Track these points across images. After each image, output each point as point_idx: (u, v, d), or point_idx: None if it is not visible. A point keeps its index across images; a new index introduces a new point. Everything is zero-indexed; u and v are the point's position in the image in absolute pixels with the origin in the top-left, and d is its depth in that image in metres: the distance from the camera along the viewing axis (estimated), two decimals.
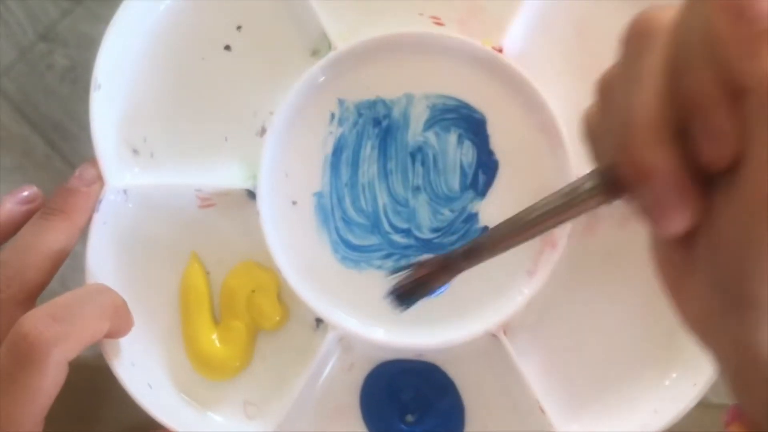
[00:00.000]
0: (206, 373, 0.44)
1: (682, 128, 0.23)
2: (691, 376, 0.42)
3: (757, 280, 0.23)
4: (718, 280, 0.24)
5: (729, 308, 0.24)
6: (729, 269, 0.24)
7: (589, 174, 0.27)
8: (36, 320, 0.34)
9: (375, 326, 0.44)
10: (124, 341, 0.42)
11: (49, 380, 0.34)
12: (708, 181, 0.24)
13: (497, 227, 0.29)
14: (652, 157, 0.24)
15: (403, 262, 0.44)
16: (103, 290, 0.39)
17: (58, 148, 0.97)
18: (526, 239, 0.29)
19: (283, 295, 0.44)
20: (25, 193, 0.42)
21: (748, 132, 0.22)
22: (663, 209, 0.24)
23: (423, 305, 0.40)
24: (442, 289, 0.32)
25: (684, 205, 0.24)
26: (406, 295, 0.32)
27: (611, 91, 0.26)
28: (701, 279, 0.25)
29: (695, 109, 0.23)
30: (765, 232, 0.22)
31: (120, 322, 0.39)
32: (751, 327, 0.23)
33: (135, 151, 0.45)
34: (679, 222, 0.24)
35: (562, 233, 0.43)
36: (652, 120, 0.24)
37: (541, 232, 0.28)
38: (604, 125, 0.27)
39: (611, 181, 0.26)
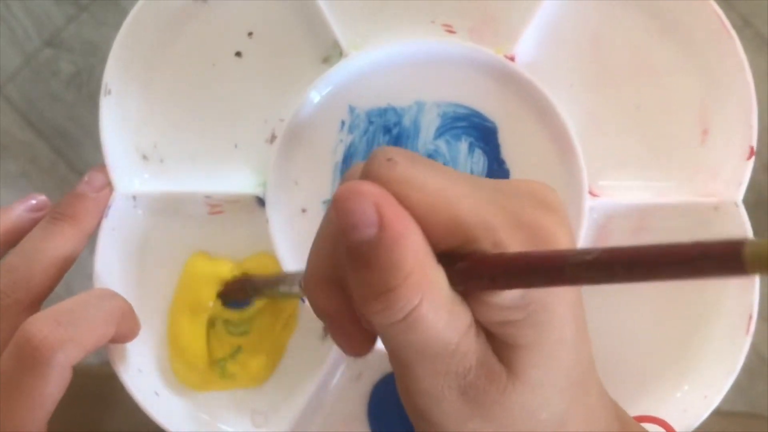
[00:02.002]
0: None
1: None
2: (703, 388, 0.42)
3: (411, 395, 0.27)
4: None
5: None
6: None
7: None
8: (40, 324, 0.34)
9: None
10: (131, 348, 0.42)
11: (53, 384, 0.34)
12: None
13: (276, 276, 0.41)
14: (318, 299, 0.28)
15: None
16: (109, 295, 0.39)
17: (63, 155, 0.98)
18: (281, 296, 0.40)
19: (291, 304, 0.44)
20: (34, 202, 0.42)
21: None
22: (333, 337, 0.29)
23: None
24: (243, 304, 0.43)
25: (348, 336, 0.29)
26: (224, 298, 0.43)
27: None
28: None
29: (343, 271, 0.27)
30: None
31: (126, 326, 0.39)
32: None
33: (144, 157, 0.45)
34: (347, 348, 0.29)
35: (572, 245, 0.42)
36: (319, 269, 0.28)
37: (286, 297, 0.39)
38: None
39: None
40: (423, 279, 0.24)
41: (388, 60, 0.43)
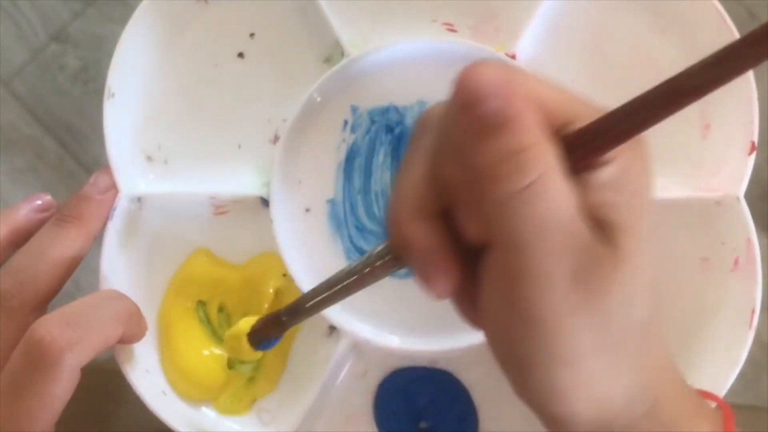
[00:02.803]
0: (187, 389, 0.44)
1: (449, 207, 0.27)
2: (707, 382, 0.42)
3: (523, 348, 0.26)
4: (499, 354, 0.28)
5: (514, 377, 0.27)
6: (502, 342, 0.27)
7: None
8: (49, 326, 0.34)
9: (388, 333, 0.44)
10: (139, 348, 0.42)
11: (62, 386, 0.34)
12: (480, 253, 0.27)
13: (314, 289, 0.32)
14: (409, 232, 0.27)
15: None
16: (116, 296, 0.39)
17: (70, 149, 0.98)
18: (337, 301, 0.32)
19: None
20: (39, 202, 0.42)
21: (484, 214, 0.25)
22: (425, 277, 0.28)
23: (436, 312, 0.42)
24: (274, 342, 0.36)
25: (443, 274, 0.27)
26: (252, 340, 0.35)
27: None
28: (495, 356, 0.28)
29: (450, 192, 0.27)
30: (515, 303, 0.25)
31: (133, 327, 0.39)
32: (535, 391, 0.27)
33: (149, 159, 0.45)
34: (440, 288, 0.28)
35: None
36: (412, 198, 0.27)
37: (350, 293, 0.31)
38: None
39: (392, 250, 0.29)
40: (549, 148, 0.25)
41: (389, 59, 0.43)
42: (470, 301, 0.28)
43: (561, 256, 0.25)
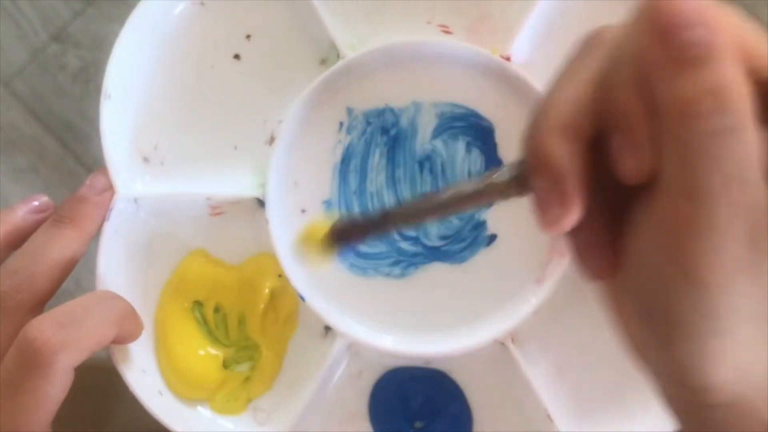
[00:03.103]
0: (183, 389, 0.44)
1: (599, 138, 0.25)
2: None
3: (677, 305, 0.24)
4: (643, 307, 0.25)
5: (654, 336, 0.25)
6: (650, 295, 0.25)
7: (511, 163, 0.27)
8: (42, 326, 0.34)
9: (383, 334, 0.44)
10: (135, 348, 0.42)
11: (56, 386, 0.34)
12: (626, 205, 0.25)
13: (413, 202, 0.30)
14: (551, 147, 0.25)
15: (411, 270, 0.44)
16: (110, 296, 0.39)
17: (71, 149, 0.98)
18: (440, 216, 0.30)
19: (291, 302, 0.44)
20: (36, 203, 0.42)
21: (663, 152, 0.23)
22: (548, 203, 0.25)
23: (431, 313, 0.43)
24: (352, 245, 0.33)
25: (569, 204, 0.25)
26: (333, 239, 0.32)
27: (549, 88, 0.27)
28: (631, 309, 0.26)
29: (617, 121, 0.24)
30: (679, 256, 0.23)
31: (128, 328, 0.39)
32: (676, 354, 0.24)
33: (146, 160, 0.45)
34: (559, 219, 0.25)
35: None
36: (564, 115, 0.25)
37: (456, 212, 0.30)
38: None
39: (521, 170, 0.27)
40: (747, 91, 0.22)
41: (385, 61, 0.43)
42: (593, 245, 0.26)
43: (742, 212, 0.23)
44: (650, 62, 0.23)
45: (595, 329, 0.43)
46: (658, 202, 0.24)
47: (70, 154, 1.00)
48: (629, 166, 0.24)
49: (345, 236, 0.31)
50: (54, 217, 0.41)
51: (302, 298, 0.43)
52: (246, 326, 0.44)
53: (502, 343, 0.43)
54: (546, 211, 0.26)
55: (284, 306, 0.44)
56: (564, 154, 0.25)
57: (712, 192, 0.22)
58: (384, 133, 0.44)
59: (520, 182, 0.27)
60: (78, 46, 1.03)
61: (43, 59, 1.03)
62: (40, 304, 0.39)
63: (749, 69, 0.23)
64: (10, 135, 0.99)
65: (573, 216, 0.25)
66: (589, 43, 0.26)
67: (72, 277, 0.40)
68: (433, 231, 0.44)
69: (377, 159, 0.44)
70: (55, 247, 0.40)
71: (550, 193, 0.25)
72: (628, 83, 0.23)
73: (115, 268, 0.43)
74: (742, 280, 0.23)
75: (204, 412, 0.44)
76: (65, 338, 0.34)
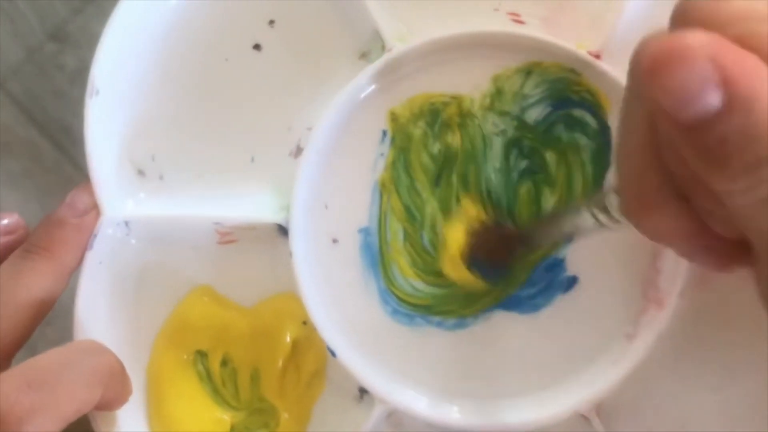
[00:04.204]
0: None
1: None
2: None
3: None
4: None
5: None
6: None
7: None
8: (7, 387, 0.31)
9: (433, 400, 0.39)
10: (123, 415, 0.38)
11: None
12: None
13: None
14: (657, 226, 0.26)
15: (470, 320, 0.39)
16: (95, 350, 0.35)
17: (67, 153, 0.97)
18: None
19: (318, 357, 0.40)
20: (5, 221, 0.39)
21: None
22: (698, 259, 0.27)
23: (494, 376, 0.39)
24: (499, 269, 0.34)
25: (714, 252, 0.26)
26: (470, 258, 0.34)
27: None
28: None
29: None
30: None
31: (114, 390, 0.35)
32: None
33: (140, 173, 0.40)
34: (722, 265, 0.26)
35: (672, 288, 0.37)
36: (640, 187, 0.25)
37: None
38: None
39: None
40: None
41: (440, 55, 0.39)
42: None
43: None
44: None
45: (701, 401, 0.39)
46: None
47: (67, 159, 1.03)
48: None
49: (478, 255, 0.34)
50: (24, 246, 0.38)
51: (332, 353, 0.39)
52: (260, 385, 0.40)
53: (585, 417, 0.38)
54: (707, 264, 0.27)
55: (309, 361, 0.40)
56: (673, 224, 0.25)
57: None
58: None
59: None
60: (77, 46, 1.04)
61: (39, 59, 1.04)
62: (6, 357, 0.36)
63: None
64: (4, 138, 0.96)
65: (729, 257, 0.26)
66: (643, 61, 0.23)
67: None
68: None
69: None
70: (23, 285, 0.37)
71: (695, 253, 0.26)
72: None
73: (99, 311, 0.40)
74: None
75: None
76: (35, 403, 0.31)
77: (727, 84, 0.20)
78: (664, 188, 0.25)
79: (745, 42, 0.21)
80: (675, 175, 0.24)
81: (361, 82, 0.38)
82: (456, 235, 0.32)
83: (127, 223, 0.39)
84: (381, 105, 0.39)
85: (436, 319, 0.39)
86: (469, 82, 0.39)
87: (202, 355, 0.41)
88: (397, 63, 0.38)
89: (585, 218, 0.30)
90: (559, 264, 0.38)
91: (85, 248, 0.38)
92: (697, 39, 0.20)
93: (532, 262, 0.38)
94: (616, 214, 0.28)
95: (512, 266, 0.35)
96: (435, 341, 0.39)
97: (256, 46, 0.40)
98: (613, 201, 0.28)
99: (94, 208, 0.38)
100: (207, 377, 0.41)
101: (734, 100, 0.20)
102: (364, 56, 0.40)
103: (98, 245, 0.38)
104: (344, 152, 0.39)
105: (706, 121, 0.20)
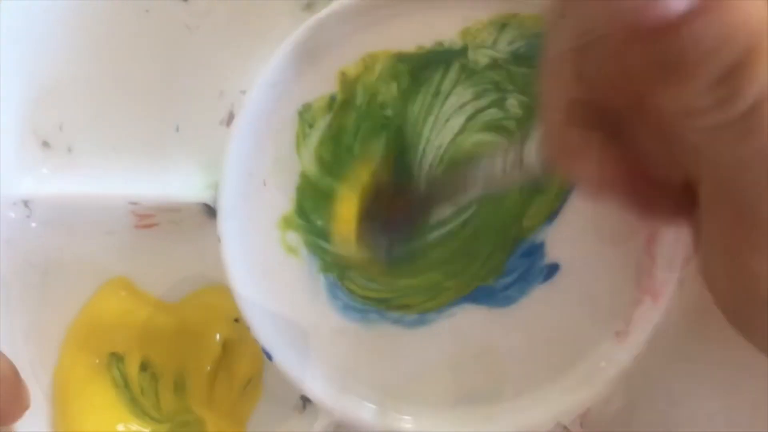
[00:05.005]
0: None
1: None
2: None
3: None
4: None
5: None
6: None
7: None
8: None
9: (388, 410, 0.36)
10: (21, 428, 0.34)
11: None
12: None
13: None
14: (582, 170, 0.25)
15: (432, 315, 0.36)
16: None
17: None
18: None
19: (253, 360, 0.38)
20: None
21: None
22: (632, 210, 0.26)
23: (461, 380, 0.37)
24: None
25: (647, 201, 0.25)
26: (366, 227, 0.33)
27: None
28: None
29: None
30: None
31: (6, 401, 0.31)
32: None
33: (45, 144, 0.38)
34: (660, 214, 0.26)
35: (670, 277, 0.34)
36: (562, 125, 0.25)
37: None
38: None
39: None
40: None
41: (399, 5, 0.35)
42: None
43: None
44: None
45: (703, 409, 0.37)
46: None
47: None
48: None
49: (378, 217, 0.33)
50: None
51: (268, 356, 0.36)
52: (186, 393, 0.38)
53: (567, 429, 0.37)
54: (644, 215, 0.26)
55: (242, 365, 0.38)
56: (599, 167, 0.25)
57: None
58: None
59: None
60: None
61: None
62: None
63: None
64: None
65: (666, 204, 0.26)
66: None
67: None
68: None
69: None
70: None
71: (628, 203, 0.26)
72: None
73: None
74: None
75: None
76: None
77: None
78: (588, 128, 0.24)
79: None
80: (606, 110, 0.24)
81: (305, 36, 0.34)
82: (346, 205, 0.30)
83: (26, 203, 0.37)
84: (328, 63, 0.35)
85: (394, 314, 0.36)
86: (433, 37, 0.35)
87: (117, 358, 0.38)
88: (348, 14, 0.34)
89: (494, 166, 0.29)
90: (537, 249, 0.35)
91: None
92: None
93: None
94: (535, 161, 0.28)
95: (416, 232, 0.33)
96: (391, 341, 0.36)
97: None
98: (531, 149, 0.28)
99: None
100: (123, 384, 0.38)
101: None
102: (309, 7, 0.36)
103: None
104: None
105: (675, 20, 0.19)
